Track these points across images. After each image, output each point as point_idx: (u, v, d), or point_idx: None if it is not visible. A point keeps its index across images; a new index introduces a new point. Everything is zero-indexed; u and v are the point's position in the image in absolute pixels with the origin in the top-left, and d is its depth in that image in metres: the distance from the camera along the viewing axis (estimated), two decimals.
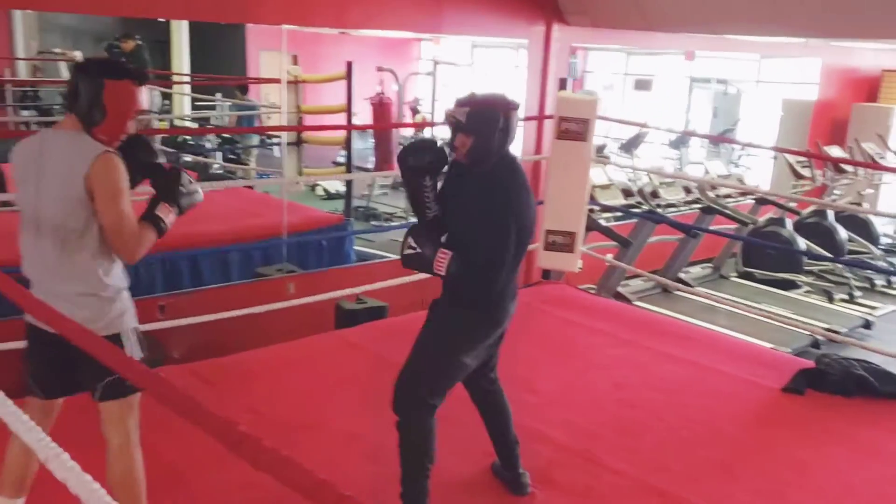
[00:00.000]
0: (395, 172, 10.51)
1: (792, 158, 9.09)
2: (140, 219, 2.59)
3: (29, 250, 2.61)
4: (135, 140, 2.67)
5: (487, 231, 2.83)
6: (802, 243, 8.11)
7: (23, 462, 2.66)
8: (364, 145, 13.30)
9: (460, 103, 2.92)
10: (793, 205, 8.51)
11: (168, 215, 2.65)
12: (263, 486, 2.95)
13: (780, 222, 8.29)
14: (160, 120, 12.33)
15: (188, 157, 11.34)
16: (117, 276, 2.63)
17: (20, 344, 2.75)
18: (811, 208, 8.68)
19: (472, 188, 2.90)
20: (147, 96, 2.65)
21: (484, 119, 2.85)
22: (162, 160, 2.76)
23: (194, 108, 14.13)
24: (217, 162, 11.16)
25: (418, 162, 2.92)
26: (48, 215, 2.51)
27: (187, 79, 14.87)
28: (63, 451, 1.45)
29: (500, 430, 3.30)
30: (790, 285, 8.07)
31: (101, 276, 2.55)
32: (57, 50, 14.25)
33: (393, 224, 10.27)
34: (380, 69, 11.41)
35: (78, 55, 13.52)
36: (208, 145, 11.91)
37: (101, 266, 2.56)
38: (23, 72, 14.78)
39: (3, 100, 13.88)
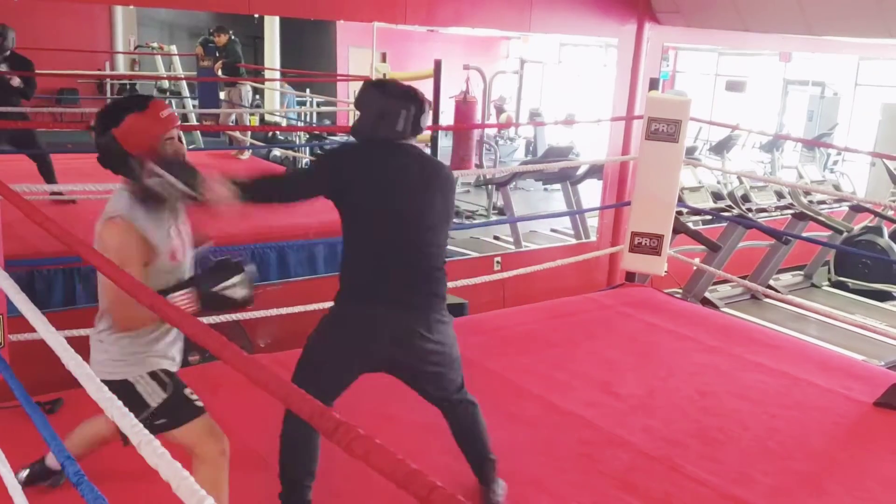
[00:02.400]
0: (477, 171, 10.55)
1: (891, 164, 8.76)
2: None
3: None
4: (239, 263, 2.50)
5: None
6: None
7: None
8: (449, 143, 13.37)
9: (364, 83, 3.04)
10: (890, 213, 8.20)
11: (186, 304, 2.35)
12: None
13: (876, 230, 8.00)
14: (251, 115, 12.62)
15: (277, 152, 11.59)
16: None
17: None
18: None
19: None
20: (171, 111, 2.52)
21: (372, 100, 2.86)
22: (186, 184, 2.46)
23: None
24: (306, 157, 11.36)
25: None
26: None
27: (278, 74, 15.18)
28: (154, 438, 1.50)
29: (466, 448, 3.16)
30: (885, 296, 7.78)
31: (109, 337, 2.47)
32: (154, 44, 14.74)
33: (475, 222, 10.29)
34: (466, 67, 11.44)
35: (174, 49, 13.97)
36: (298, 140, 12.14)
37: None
38: (122, 66, 15.34)
39: (103, 93, 14.44)
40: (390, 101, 2.81)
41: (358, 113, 2.89)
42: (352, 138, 2.98)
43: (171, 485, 1.36)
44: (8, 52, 7.16)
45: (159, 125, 2.44)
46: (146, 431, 1.46)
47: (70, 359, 1.71)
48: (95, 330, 2.51)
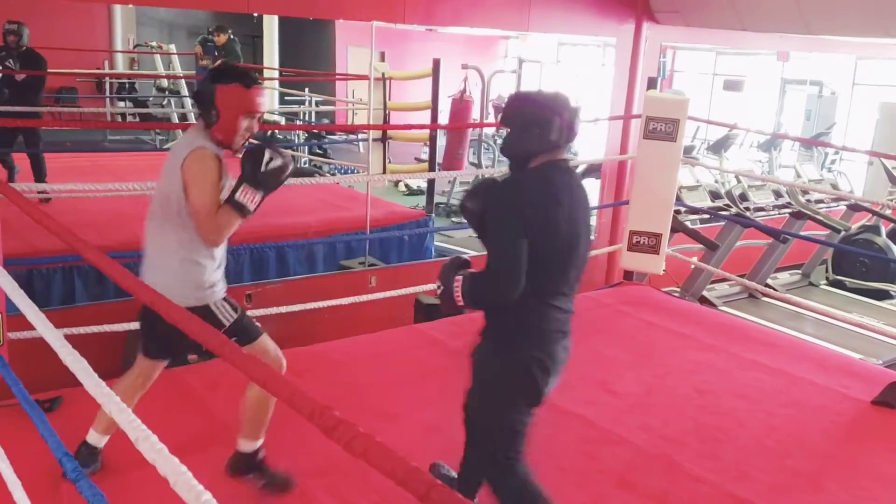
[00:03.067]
0: (475, 171, 10.55)
1: (889, 163, 8.77)
2: (223, 203, 2.81)
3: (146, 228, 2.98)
4: (263, 144, 2.88)
5: (494, 238, 2.57)
6: None
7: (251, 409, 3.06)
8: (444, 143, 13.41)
9: (510, 95, 2.83)
10: (888, 212, 8.21)
11: (249, 198, 2.79)
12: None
13: (874, 229, 8.01)
14: None
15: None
16: (207, 255, 2.89)
17: (123, 326, 2.88)
18: None
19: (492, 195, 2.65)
20: (265, 98, 2.91)
21: (519, 112, 2.66)
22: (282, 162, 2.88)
23: (283, 102, 14.43)
24: (305, 156, 11.36)
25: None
26: (155, 197, 2.95)
27: (277, 73, 15.18)
28: (153, 434, 1.50)
29: None
30: (883, 295, 7.79)
31: (188, 250, 2.86)
32: (153, 43, 14.74)
33: None
34: (465, 66, 11.44)
35: (173, 48, 13.97)
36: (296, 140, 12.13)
37: (186, 245, 2.85)
38: (120, 64, 15.33)
39: (101, 91, 14.44)
40: (539, 110, 2.61)
41: (506, 130, 2.68)
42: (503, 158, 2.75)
43: (168, 480, 1.37)
44: (23, 49, 7.17)
45: (248, 104, 2.85)
46: (144, 427, 1.47)
47: (68, 355, 1.72)
48: (172, 268, 2.88)
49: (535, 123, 2.59)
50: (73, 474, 1.90)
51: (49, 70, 6.84)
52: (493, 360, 2.71)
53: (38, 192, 6.29)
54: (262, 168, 2.81)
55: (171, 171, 2.84)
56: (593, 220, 8.04)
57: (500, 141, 15.06)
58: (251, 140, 2.97)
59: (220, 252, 2.99)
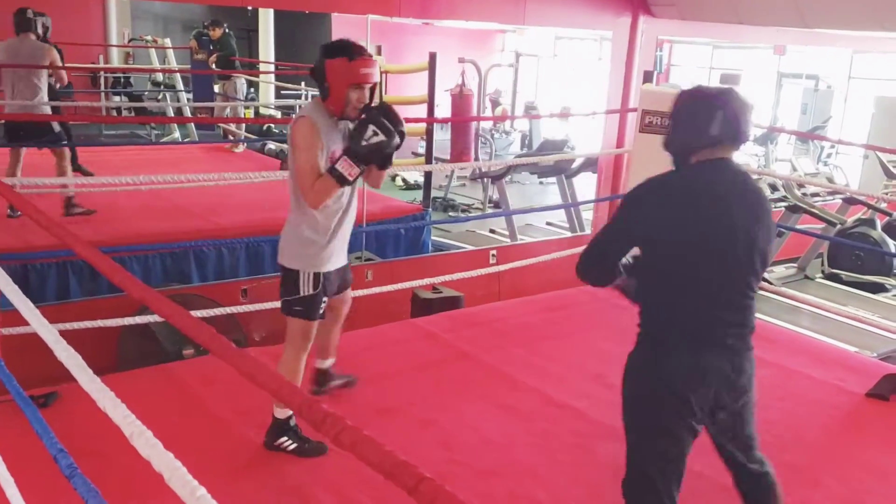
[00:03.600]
0: (473, 164, 10.57)
1: (884, 157, 8.77)
2: (325, 171, 3.06)
3: None
4: (371, 115, 3.06)
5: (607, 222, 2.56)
6: (893, 245, 7.83)
7: (326, 335, 3.66)
8: (444, 136, 13.37)
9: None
10: (883, 205, 8.22)
11: (348, 169, 3.01)
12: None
13: (869, 223, 8.02)
14: (245, 108, 12.59)
15: (272, 145, 11.57)
16: (319, 227, 3.22)
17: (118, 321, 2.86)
18: None
19: None
20: (372, 69, 3.11)
21: (679, 106, 2.55)
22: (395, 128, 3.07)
23: (279, 96, 14.41)
24: None
25: None
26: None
27: (272, 67, 15.15)
28: (147, 430, 1.50)
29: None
30: (878, 288, 7.80)
31: (304, 216, 3.20)
32: (148, 37, 14.69)
33: (470, 215, 10.29)
34: (461, 60, 11.42)
35: (168, 42, 13.93)
36: None
37: (305, 211, 3.18)
38: (115, 59, 15.28)
39: (96, 86, 14.39)
40: (700, 101, 2.48)
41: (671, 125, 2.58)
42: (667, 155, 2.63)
43: (163, 475, 1.36)
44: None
45: (353, 76, 3.06)
46: (139, 423, 1.47)
47: (62, 351, 1.71)
48: (287, 230, 3.29)
49: (693, 116, 2.45)
50: (67, 470, 1.89)
51: (42, 65, 6.81)
52: (633, 368, 2.57)
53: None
54: (364, 142, 2.99)
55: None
56: (589, 214, 8.06)
57: (496, 135, 15.06)
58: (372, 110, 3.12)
59: (335, 225, 3.25)
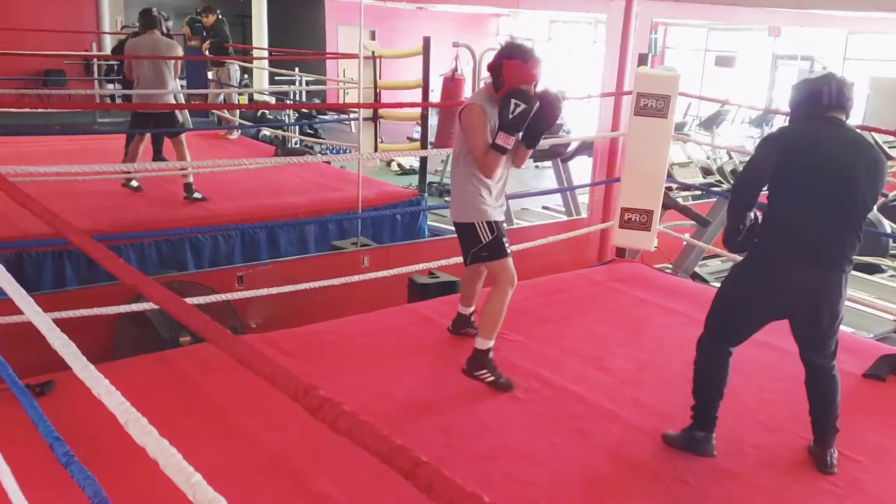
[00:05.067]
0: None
1: (879, 138, 8.76)
2: (489, 147, 3.69)
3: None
4: (511, 92, 3.65)
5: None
6: (888, 226, 7.84)
7: (471, 284, 4.37)
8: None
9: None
10: None
11: (504, 140, 3.65)
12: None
13: None
14: (239, 94, 12.53)
15: (267, 131, 11.54)
16: (484, 188, 3.84)
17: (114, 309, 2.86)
18: None
19: None
20: (540, 69, 3.75)
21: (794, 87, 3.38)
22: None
23: (273, 82, 14.34)
24: (295, 136, 11.30)
25: None
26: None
27: (266, 53, 15.06)
28: (142, 417, 1.49)
29: (814, 413, 3.41)
30: (874, 269, 7.81)
31: (471, 182, 3.83)
32: None
33: None
34: (456, 45, 11.37)
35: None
36: (287, 119, 12.07)
37: (471, 177, 3.83)
38: (108, 46, 15.20)
39: (90, 74, 14.33)
40: (814, 83, 3.28)
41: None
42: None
43: (158, 462, 1.36)
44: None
45: (526, 77, 3.70)
46: (133, 410, 1.46)
47: (56, 338, 1.71)
48: (457, 193, 3.95)
49: (812, 92, 3.27)
50: (65, 458, 1.89)
51: (36, 52, 6.87)
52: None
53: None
54: (511, 115, 3.60)
55: (457, 122, 3.82)
56: (585, 198, 8.05)
57: None
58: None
59: (495, 188, 3.89)
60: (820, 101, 3.23)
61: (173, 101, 7.56)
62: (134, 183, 7.13)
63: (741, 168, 7.50)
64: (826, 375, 3.38)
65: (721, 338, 3.48)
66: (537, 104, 3.67)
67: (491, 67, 3.77)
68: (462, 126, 3.78)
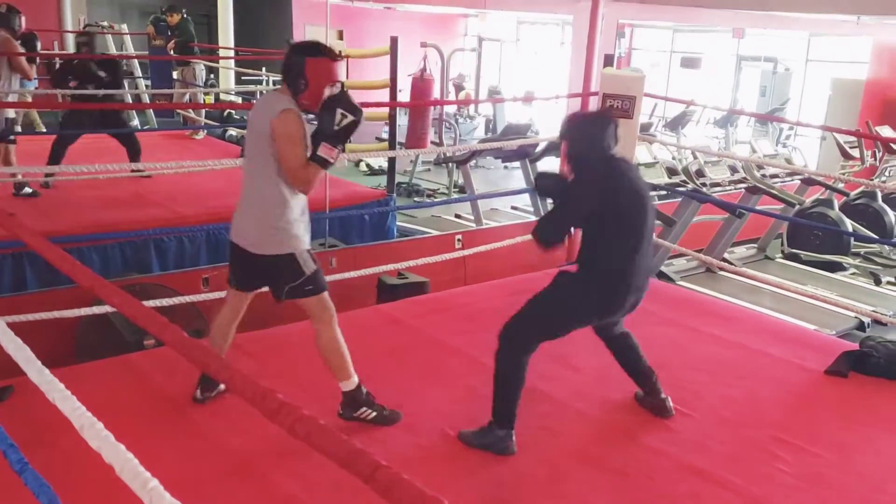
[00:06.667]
0: (437, 149, 10.55)
1: (841, 138, 8.88)
2: (308, 159, 3.21)
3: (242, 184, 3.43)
4: (334, 99, 3.24)
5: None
6: (850, 224, 7.95)
7: (225, 327, 3.63)
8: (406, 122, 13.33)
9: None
10: (841, 185, 8.34)
11: (329, 153, 3.21)
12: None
13: (827, 203, 8.13)
14: (206, 94, 12.41)
15: (233, 131, 11.44)
16: (297, 209, 3.33)
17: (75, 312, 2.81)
18: (859, 189, 8.50)
19: None
20: (342, 70, 3.32)
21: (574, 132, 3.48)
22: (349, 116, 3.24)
23: (239, 82, 14.23)
24: None
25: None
26: (248, 151, 3.40)
27: (232, 53, 14.94)
28: (97, 421, 1.46)
29: (631, 364, 3.76)
30: (836, 267, 7.93)
31: (281, 202, 3.27)
32: (104, 23, 14.42)
33: (435, 200, 10.27)
34: (424, 45, 11.36)
35: (125, 28, 13.70)
36: None
37: (280, 196, 3.27)
38: (71, 45, 14.98)
39: (52, 72, 14.10)
40: (601, 126, 3.40)
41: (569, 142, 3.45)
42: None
43: (114, 467, 1.33)
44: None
45: (334, 75, 3.27)
46: (89, 415, 1.43)
47: (9, 342, 1.67)
48: (265, 216, 3.30)
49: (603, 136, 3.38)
50: (18, 465, 1.85)
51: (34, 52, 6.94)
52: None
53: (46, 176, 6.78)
54: (336, 126, 3.19)
55: (258, 132, 3.25)
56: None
57: (461, 120, 15.05)
58: None
59: (303, 205, 3.38)
60: (609, 142, 3.38)
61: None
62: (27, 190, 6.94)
63: (704, 167, 7.58)
64: (631, 335, 3.77)
65: (538, 343, 3.47)
66: (362, 114, 3.29)
67: (287, 67, 3.28)
68: (276, 134, 3.20)
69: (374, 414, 3.50)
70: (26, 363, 1.61)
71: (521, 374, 3.40)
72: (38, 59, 7.06)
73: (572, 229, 3.70)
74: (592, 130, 3.39)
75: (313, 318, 3.44)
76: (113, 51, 13.47)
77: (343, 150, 3.33)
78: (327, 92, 3.25)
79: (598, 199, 3.31)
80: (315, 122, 3.26)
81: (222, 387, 3.61)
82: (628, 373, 3.79)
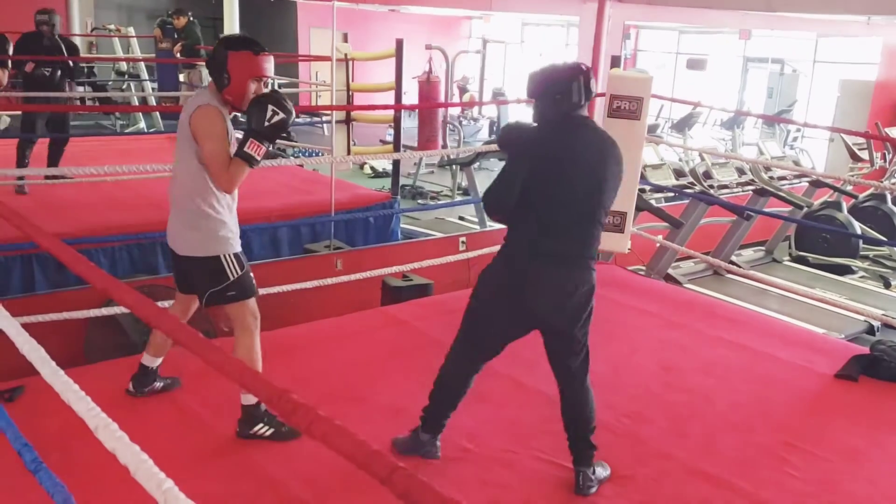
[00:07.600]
0: (441, 152, 10.56)
1: (850, 140, 8.86)
2: (234, 156, 3.13)
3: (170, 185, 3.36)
4: (265, 96, 3.18)
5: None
6: (858, 227, 7.93)
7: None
8: (412, 124, 13.32)
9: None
10: (849, 188, 8.32)
11: (256, 150, 3.12)
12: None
13: (835, 205, 8.11)
14: None
15: (238, 134, 11.45)
16: (218, 206, 3.21)
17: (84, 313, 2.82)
18: (868, 191, 8.47)
19: None
20: (271, 64, 3.24)
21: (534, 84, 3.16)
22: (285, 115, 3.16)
23: None
24: None
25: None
26: (175, 151, 3.27)
27: None
28: (112, 422, 1.46)
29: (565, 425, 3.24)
30: (845, 270, 7.91)
31: (207, 202, 3.18)
32: (111, 26, 14.45)
33: (439, 203, 10.27)
34: (428, 47, 11.36)
35: (132, 31, 13.72)
36: None
37: (206, 196, 3.18)
38: (81, 48, 15.02)
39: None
40: (561, 79, 3.06)
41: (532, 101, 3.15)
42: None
43: (129, 468, 1.33)
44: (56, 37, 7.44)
45: (257, 69, 3.16)
46: (104, 415, 1.43)
47: (24, 343, 1.67)
48: (189, 217, 3.21)
49: (560, 91, 3.05)
50: (32, 465, 1.85)
51: (5, 55, 6.71)
52: None
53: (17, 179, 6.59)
54: (266, 123, 3.11)
55: (182, 130, 3.17)
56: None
57: (464, 122, 15.04)
58: None
59: (233, 210, 3.30)
60: (570, 97, 3.03)
61: None
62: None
63: (711, 169, 7.57)
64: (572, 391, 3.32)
65: (471, 349, 3.37)
66: (293, 113, 3.20)
67: (210, 61, 3.20)
68: (195, 132, 3.12)
69: (272, 430, 3.30)
70: (41, 363, 1.61)
71: (455, 383, 3.29)
72: (9, 63, 6.75)
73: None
74: (555, 88, 3.04)
75: (236, 325, 3.30)
76: (120, 53, 13.53)
77: (271, 148, 3.26)
78: (253, 87, 3.18)
79: (528, 165, 3.00)
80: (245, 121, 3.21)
81: (158, 385, 3.63)
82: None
